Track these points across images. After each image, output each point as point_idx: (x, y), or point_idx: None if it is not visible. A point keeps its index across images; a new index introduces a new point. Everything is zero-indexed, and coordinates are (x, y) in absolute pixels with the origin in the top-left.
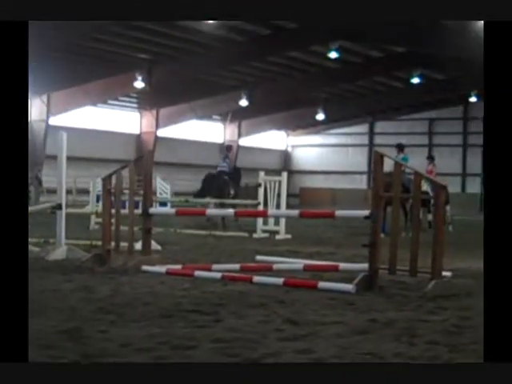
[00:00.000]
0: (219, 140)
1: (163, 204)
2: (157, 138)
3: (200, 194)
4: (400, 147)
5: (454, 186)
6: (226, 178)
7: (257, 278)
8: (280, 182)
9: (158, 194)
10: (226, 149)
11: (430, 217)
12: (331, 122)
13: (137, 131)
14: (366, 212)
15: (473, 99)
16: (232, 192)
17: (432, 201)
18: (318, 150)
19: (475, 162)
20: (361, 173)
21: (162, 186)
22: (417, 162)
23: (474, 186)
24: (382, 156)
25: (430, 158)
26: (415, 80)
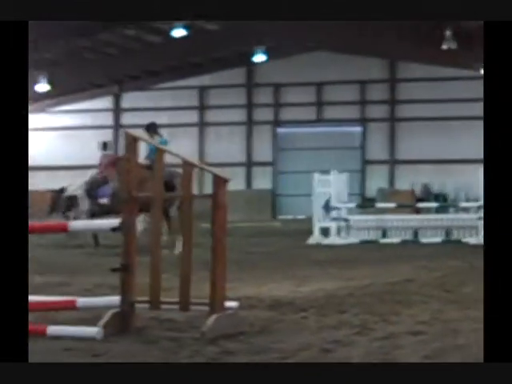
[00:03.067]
0: None
1: None
2: None
3: None
4: (152, 128)
5: (235, 180)
6: None
7: None
8: None
9: None
10: None
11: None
12: (60, 94)
13: None
14: (115, 222)
15: (259, 58)
16: None
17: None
18: (41, 136)
19: (263, 147)
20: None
21: None
22: (183, 147)
23: (264, 180)
24: (135, 140)
25: (104, 146)
26: (178, 32)
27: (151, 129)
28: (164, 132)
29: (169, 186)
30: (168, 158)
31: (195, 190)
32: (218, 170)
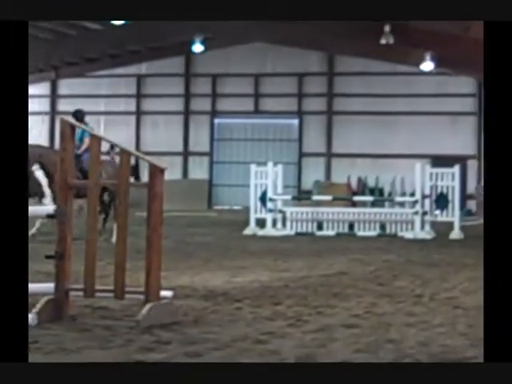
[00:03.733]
0: None
1: None
2: None
3: None
4: (79, 115)
5: (172, 170)
6: None
7: None
8: None
9: None
10: None
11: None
12: None
13: None
14: (50, 208)
15: (197, 48)
16: None
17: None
18: None
19: (201, 137)
20: None
21: None
22: (120, 135)
23: (200, 170)
24: (72, 127)
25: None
26: (117, 21)
27: (78, 116)
28: (100, 119)
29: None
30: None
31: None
32: (154, 159)
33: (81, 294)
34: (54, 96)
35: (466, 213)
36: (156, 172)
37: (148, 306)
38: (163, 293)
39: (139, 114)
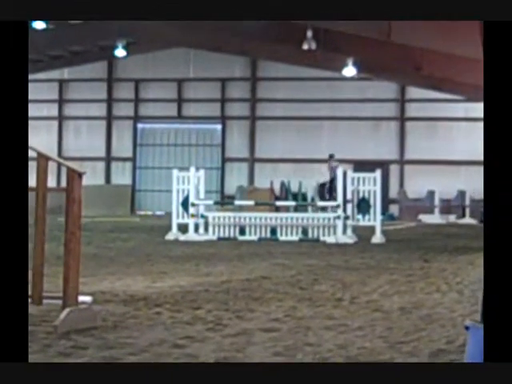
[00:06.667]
0: None
1: None
2: None
3: None
4: None
5: (95, 175)
6: None
7: None
8: None
9: None
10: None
11: None
12: None
13: None
14: None
15: (120, 52)
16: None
17: None
18: None
19: (123, 142)
20: None
21: None
22: (43, 141)
23: (123, 176)
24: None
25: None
26: (39, 24)
27: None
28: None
29: None
30: None
31: (53, 184)
32: (72, 164)
33: None
34: None
35: (388, 217)
36: (74, 176)
37: (66, 311)
38: (82, 298)
39: (61, 119)
